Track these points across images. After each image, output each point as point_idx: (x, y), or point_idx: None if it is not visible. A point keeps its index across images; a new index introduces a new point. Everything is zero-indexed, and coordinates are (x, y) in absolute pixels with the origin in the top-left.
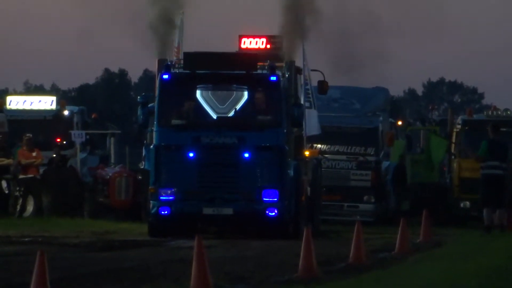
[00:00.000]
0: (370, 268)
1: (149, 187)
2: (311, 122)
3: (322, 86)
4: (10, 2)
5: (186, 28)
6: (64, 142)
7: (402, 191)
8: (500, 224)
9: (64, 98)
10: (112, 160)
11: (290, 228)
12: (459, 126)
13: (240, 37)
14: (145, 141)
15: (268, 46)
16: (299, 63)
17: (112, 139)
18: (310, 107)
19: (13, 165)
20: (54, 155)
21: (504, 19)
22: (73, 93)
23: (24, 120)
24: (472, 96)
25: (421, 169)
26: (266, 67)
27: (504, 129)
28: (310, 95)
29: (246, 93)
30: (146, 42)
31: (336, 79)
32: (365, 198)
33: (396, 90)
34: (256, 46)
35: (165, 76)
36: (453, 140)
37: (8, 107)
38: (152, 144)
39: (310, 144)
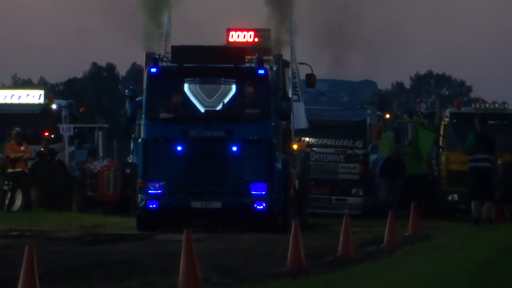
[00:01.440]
0: (359, 261)
1: (138, 181)
2: (299, 116)
3: (310, 80)
4: None
5: (174, 21)
6: (52, 136)
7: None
8: (488, 217)
9: (52, 92)
10: (101, 154)
11: (279, 221)
12: (447, 119)
13: (228, 30)
14: (133, 135)
15: (256, 39)
16: (287, 56)
17: (100, 133)
18: (298, 101)
19: (1, 159)
20: (42, 149)
21: (493, 12)
22: (61, 87)
23: (12, 114)
24: (460, 89)
25: (409, 161)
26: (254, 61)
27: (492, 122)
28: (298, 89)
29: (234, 87)
30: (134, 35)
31: (324, 72)
32: (353, 191)
33: (384, 83)
34: (244, 40)
35: (153, 70)
36: (441, 133)
37: None
38: (140, 138)
39: (298, 138)
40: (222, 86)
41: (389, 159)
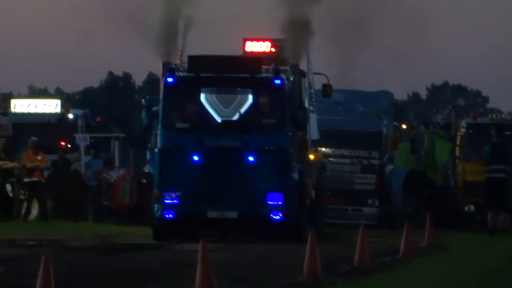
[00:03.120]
0: (374, 271)
1: (154, 190)
2: (312, 127)
3: (326, 90)
4: (15, 6)
5: (191, 31)
6: (69, 145)
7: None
8: (504, 227)
9: (68, 101)
10: (117, 164)
11: (295, 231)
12: (463, 130)
13: (245, 40)
14: (149, 144)
15: (273, 49)
16: (303, 66)
17: (116, 143)
18: (312, 111)
19: (18, 169)
20: (58, 158)
21: (509, 22)
22: (77, 96)
23: (29, 124)
24: (476, 100)
25: (426, 172)
26: (270, 70)
27: (508, 133)
28: (313, 99)
29: (250, 96)
30: (150, 45)
31: (340, 82)
32: (369, 201)
33: (400, 94)
34: (261, 49)
35: (170, 79)
36: (457, 143)
37: (12, 110)
38: (157, 147)
39: (314, 148)
40: (239, 96)
41: (413, 172)
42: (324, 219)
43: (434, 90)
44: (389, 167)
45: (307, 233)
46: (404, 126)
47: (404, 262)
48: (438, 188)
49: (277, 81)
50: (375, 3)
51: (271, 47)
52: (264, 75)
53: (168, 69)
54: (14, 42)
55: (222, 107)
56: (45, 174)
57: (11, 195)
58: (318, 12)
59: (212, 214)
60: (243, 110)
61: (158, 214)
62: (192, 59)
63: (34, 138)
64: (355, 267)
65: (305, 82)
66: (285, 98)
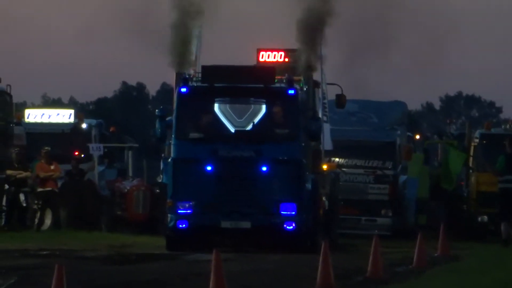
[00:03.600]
0: (388, 282)
1: (167, 200)
2: (326, 137)
3: (340, 100)
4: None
5: (204, 41)
6: (82, 155)
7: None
8: None
9: (82, 111)
10: (130, 174)
11: (308, 241)
12: (477, 140)
13: (258, 50)
14: (163, 154)
15: (286, 59)
16: (317, 76)
17: (130, 153)
18: (326, 122)
19: (31, 178)
20: (71, 168)
21: None
22: (91, 106)
23: (42, 133)
24: (489, 110)
25: (439, 182)
26: (284, 81)
27: None
28: (327, 109)
29: (264, 107)
30: (164, 55)
31: (354, 93)
32: (383, 212)
33: (414, 104)
34: (274, 60)
35: (183, 89)
36: (471, 154)
37: (26, 120)
38: (170, 157)
39: (327, 158)
40: (252, 106)
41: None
42: (338, 230)
43: (448, 101)
44: (402, 178)
45: (321, 243)
46: (417, 137)
47: (417, 273)
48: (452, 199)
49: (291, 91)
50: (388, 15)
51: (285, 57)
52: (277, 85)
53: (182, 79)
54: (28, 52)
55: (235, 117)
56: (59, 184)
57: (24, 204)
58: (332, 22)
59: (225, 224)
60: (256, 120)
61: (171, 224)
62: (206, 69)
63: (48, 148)
64: (368, 277)
65: (318, 92)
66: (298, 108)
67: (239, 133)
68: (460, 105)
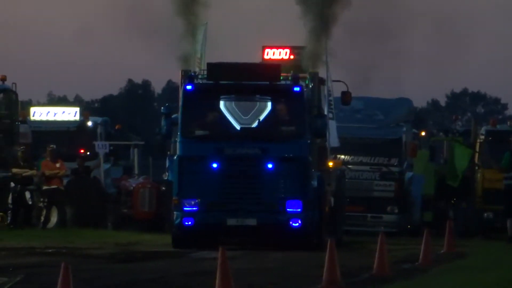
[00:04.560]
0: (394, 279)
1: (173, 198)
2: (332, 134)
3: (345, 97)
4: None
5: (209, 38)
6: (88, 153)
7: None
8: None
9: (87, 109)
10: (136, 171)
11: (314, 239)
12: (482, 137)
13: (264, 47)
14: (168, 152)
15: (292, 56)
16: (322, 73)
17: (136, 150)
18: (332, 119)
19: (37, 176)
20: (77, 166)
21: None
22: (96, 104)
23: (48, 131)
24: (495, 107)
25: (445, 179)
26: (289, 78)
27: None
28: (332, 106)
29: (269, 104)
30: (170, 53)
31: (359, 90)
32: (389, 208)
33: (419, 101)
34: (280, 57)
35: (189, 87)
36: (477, 150)
37: (31, 118)
38: (176, 155)
39: (333, 155)
40: (258, 103)
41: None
42: (343, 227)
43: (454, 97)
44: (408, 174)
45: (326, 240)
46: (423, 134)
47: (423, 270)
48: (458, 196)
49: (296, 89)
50: (394, 12)
51: (290, 54)
52: (283, 82)
53: (187, 76)
54: (33, 50)
55: (241, 115)
56: (64, 182)
57: (30, 203)
58: (338, 19)
59: (231, 221)
60: (262, 117)
61: (177, 221)
62: (211, 67)
63: (53, 146)
64: (374, 275)
65: (324, 90)
66: (304, 106)
67: (245, 131)
68: (466, 101)
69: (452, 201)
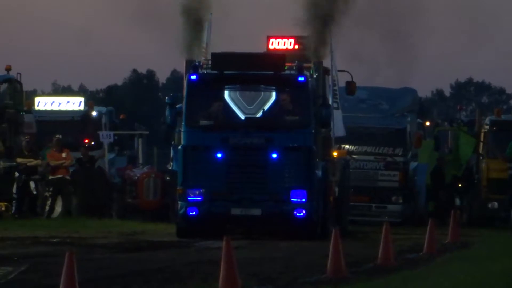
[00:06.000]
0: (398, 269)
1: (177, 188)
2: (337, 124)
3: (350, 87)
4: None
5: (214, 28)
6: (92, 143)
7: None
8: None
9: (92, 99)
10: (140, 161)
11: (318, 228)
12: (487, 127)
13: (268, 37)
14: (173, 142)
15: (296, 46)
16: (327, 63)
17: (140, 140)
18: (337, 108)
19: (42, 166)
20: (82, 156)
21: None
22: (101, 94)
23: (52, 121)
24: (499, 97)
25: (449, 169)
26: (294, 68)
27: None
28: (337, 96)
29: (274, 94)
30: (174, 42)
31: (364, 80)
32: (393, 198)
33: (424, 91)
34: (284, 47)
35: (193, 77)
36: (481, 140)
37: (36, 108)
38: (180, 145)
39: (338, 145)
40: (262, 93)
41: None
42: (348, 217)
43: (458, 87)
44: (413, 164)
45: (331, 230)
46: (428, 123)
47: (428, 259)
48: (462, 185)
49: (301, 78)
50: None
51: (295, 44)
52: (287, 72)
53: (192, 66)
54: (38, 40)
55: (245, 104)
56: (70, 172)
57: (34, 192)
58: (342, 8)
59: (235, 211)
60: (266, 107)
61: (181, 211)
62: (216, 57)
63: (59, 136)
64: (378, 264)
65: (329, 80)
66: (309, 95)
67: (249, 120)
68: (470, 91)
69: (455, 191)
